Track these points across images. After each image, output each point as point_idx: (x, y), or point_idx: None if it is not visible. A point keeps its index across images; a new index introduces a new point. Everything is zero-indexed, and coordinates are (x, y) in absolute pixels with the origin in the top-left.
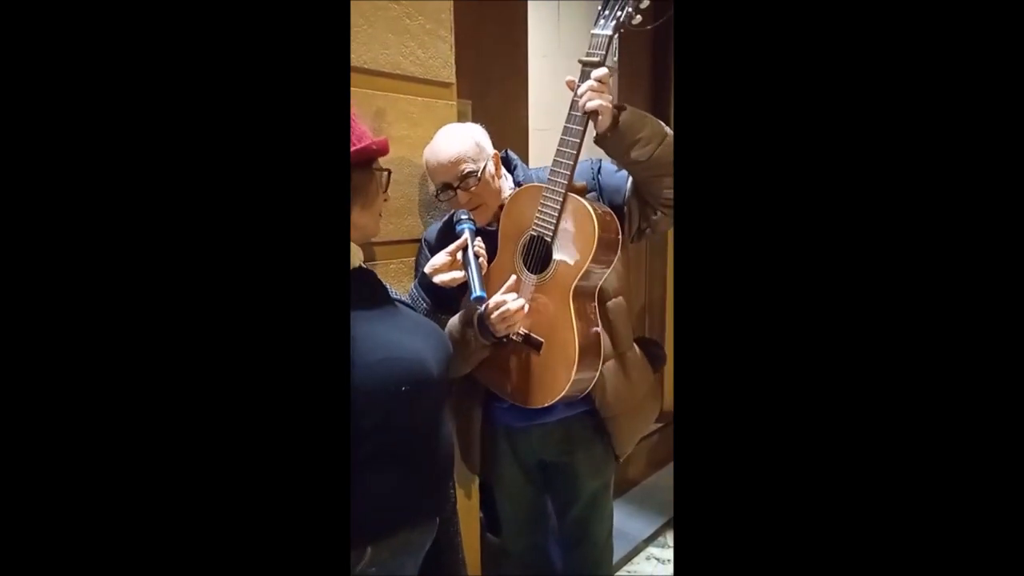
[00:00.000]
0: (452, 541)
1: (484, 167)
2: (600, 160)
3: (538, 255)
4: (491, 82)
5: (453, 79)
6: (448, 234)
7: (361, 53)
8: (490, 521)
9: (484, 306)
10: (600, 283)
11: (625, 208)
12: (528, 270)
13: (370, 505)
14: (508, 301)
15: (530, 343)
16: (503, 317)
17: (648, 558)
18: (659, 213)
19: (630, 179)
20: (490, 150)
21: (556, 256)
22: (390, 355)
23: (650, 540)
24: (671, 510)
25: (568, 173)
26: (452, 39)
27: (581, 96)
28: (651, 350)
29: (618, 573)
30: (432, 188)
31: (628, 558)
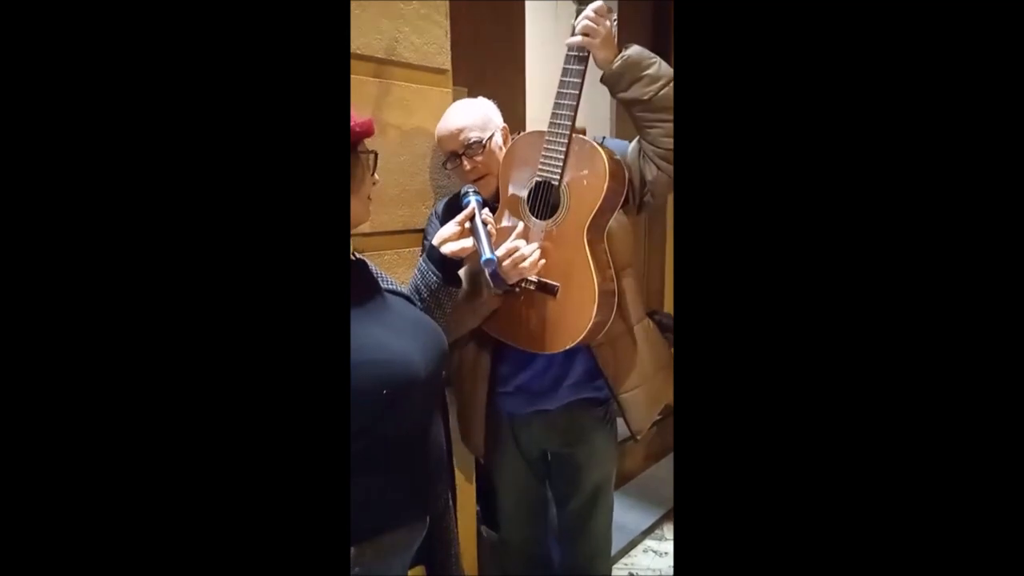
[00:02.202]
0: (445, 537)
1: (491, 137)
2: (604, 136)
3: (545, 201)
4: (488, 70)
5: (448, 66)
6: (456, 210)
7: (354, 38)
8: (487, 514)
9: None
10: (609, 224)
11: (626, 173)
12: (535, 217)
13: (354, 507)
14: (520, 247)
15: (545, 289)
16: (515, 263)
17: (646, 551)
18: (657, 170)
19: (631, 144)
20: (499, 122)
21: (566, 198)
22: (375, 357)
23: (648, 533)
24: (668, 503)
25: (571, 115)
26: (448, 25)
27: (577, 31)
28: (662, 320)
29: (616, 565)
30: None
31: (626, 551)
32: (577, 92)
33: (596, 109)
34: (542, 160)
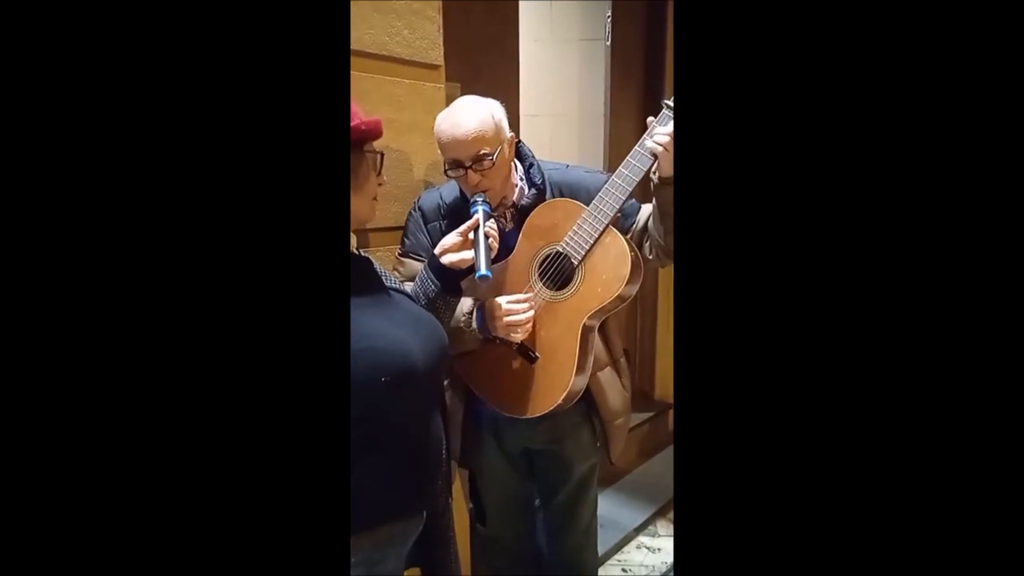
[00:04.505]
0: (444, 535)
1: (499, 150)
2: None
3: (558, 273)
4: (481, 65)
5: (441, 61)
6: (454, 211)
7: None
8: (477, 511)
9: (482, 305)
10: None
11: (628, 235)
12: (542, 283)
13: (352, 496)
14: (520, 311)
15: (525, 355)
16: (508, 324)
17: (639, 547)
18: (654, 255)
19: (641, 212)
20: (507, 133)
21: (578, 282)
22: (372, 344)
23: (640, 529)
24: (661, 499)
25: (616, 206)
26: (440, 19)
27: (654, 136)
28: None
29: (609, 562)
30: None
31: (619, 547)
32: (630, 189)
33: (592, 98)
34: (571, 234)
